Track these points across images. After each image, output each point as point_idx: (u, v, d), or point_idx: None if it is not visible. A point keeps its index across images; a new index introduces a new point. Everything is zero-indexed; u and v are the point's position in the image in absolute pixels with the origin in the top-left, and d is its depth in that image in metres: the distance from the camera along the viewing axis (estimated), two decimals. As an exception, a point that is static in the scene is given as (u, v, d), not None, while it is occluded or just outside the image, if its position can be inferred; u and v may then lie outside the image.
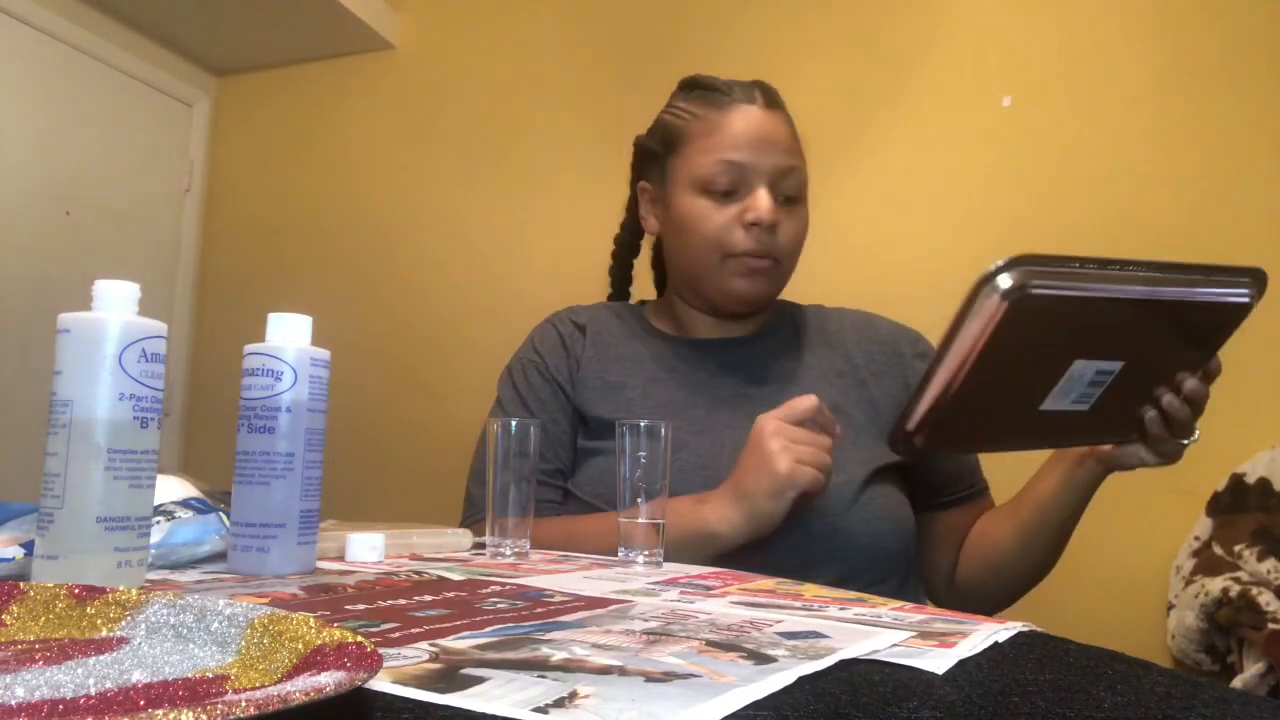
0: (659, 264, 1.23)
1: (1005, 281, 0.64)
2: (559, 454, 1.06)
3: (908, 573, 1.00)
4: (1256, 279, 0.75)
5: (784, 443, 0.84)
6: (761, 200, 0.99)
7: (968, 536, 1.06)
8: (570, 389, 1.07)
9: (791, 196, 1.03)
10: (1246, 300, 0.74)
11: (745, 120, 1.02)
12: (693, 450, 0.98)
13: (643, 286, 1.25)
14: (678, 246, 1.07)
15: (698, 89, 1.08)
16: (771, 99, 1.06)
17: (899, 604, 0.61)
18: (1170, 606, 1.74)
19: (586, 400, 1.05)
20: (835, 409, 1.03)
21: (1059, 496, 0.92)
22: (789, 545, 0.90)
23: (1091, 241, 1.97)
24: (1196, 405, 0.81)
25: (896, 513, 0.98)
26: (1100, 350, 0.73)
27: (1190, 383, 0.80)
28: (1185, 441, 0.84)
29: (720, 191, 1.01)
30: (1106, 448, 0.88)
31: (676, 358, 1.08)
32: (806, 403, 0.86)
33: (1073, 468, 0.91)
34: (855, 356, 1.09)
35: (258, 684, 0.32)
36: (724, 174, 1.01)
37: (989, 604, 1.03)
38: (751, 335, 1.10)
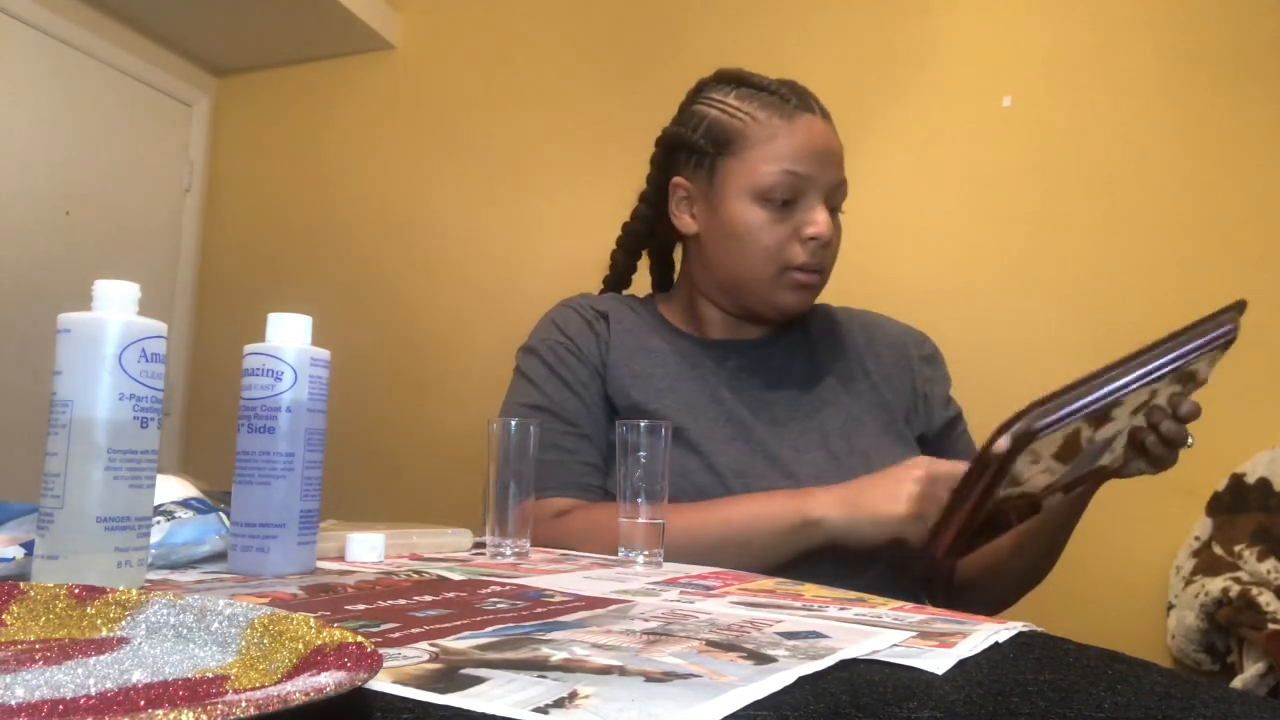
0: (660, 258, 1.21)
1: (1016, 430, 0.70)
2: (604, 439, 1.03)
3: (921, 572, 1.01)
4: (1239, 310, 0.81)
5: (924, 489, 0.83)
6: (821, 216, 0.99)
7: None
8: (604, 373, 1.05)
9: (836, 208, 1.03)
10: (1233, 333, 0.80)
11: (810, 131, 1.00)
12: (729, 457, 0.98)
13: (638, 282, 1.24)
14: (725, 251, 1.04)
15: (748, 87, 1.04)
16: (825, 110, 1.05)
17: (899, 604, 0.61)
18: (1170, 606, 1.74)
19: (619, 388, 1.03)
20: (853, 417, 1.03)
21: (1056, 506, 0.91)
22: (811, 556, 0.89)
23: (1091, 240, 1.97)
24: (1189, 420, 0.83)
25: None
26: (1108, 424, 0.77)
27: (1186, 405, 0.81)
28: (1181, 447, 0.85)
29: (779, 202, 1.00)
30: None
31: (696, 357, 1.07)
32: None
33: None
34: (866, 361, 1.09)
35: (258, 684, 0.32)
36: (785, 184, 0.99)
37: (987, 606, 1.03)
38: (766, 338, 1.09)
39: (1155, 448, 0.82)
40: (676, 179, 1.07)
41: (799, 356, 1.09)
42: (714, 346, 1.08)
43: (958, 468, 0.81)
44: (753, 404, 1.04)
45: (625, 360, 1.05)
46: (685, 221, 1.08)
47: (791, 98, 1.03)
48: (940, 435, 1.08)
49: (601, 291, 1.20)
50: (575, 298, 1.14)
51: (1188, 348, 0.76)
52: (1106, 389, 0.72)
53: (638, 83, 2.35)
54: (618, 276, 1.20)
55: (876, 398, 1.06)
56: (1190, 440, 0.84)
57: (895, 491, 0.84)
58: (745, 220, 1.01)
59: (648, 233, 1.16)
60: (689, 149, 1.06)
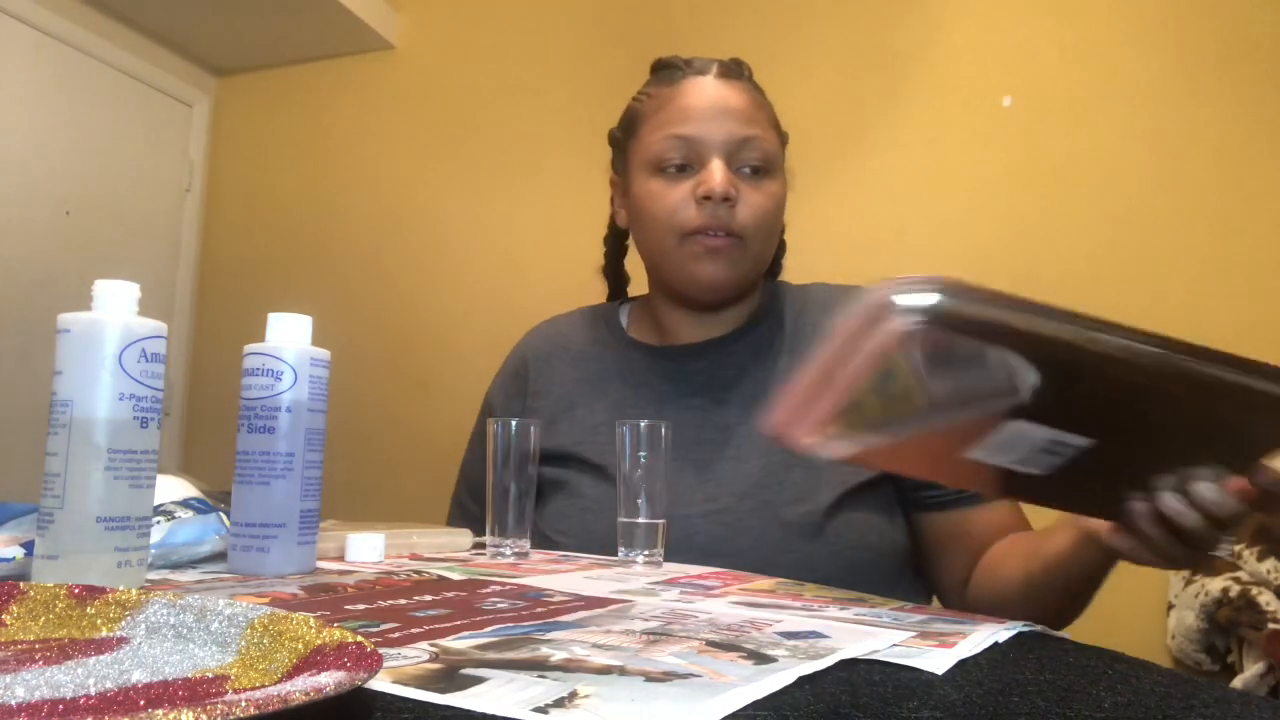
0: None
1: (919, 300, 0.50)
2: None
3: (894, 585, 0.90)
4: None
5: None
6: (713, 171, 0.92)
7: (986, 557, 0.92)
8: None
9: (758, 168, 0.95)
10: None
11: (696, 92, 0.96)
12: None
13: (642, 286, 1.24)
14: (639, 234, 1.01)
15: (657, 69, 1.03)
16: (729, 70, 0.98)
17: (899, 604, 0.61)
18: (1170, 606, 1.74)
19: (550, 435, 0.97)
20: None
21: (1067, 568, 0.76)
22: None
23: (1091, 240, 1.97)
24: (1211, 513, 0.56)
25: (869, 539, 0.90)
26: (1057, 418, 0.53)
27: (1201, 486, 0.56)
28: (1212, 552, 0.61)
29: (674, 169, 0.95)
30: (1109, 537, 0.65)
31: (650, 370, 1.02)
32: None
33: (1080, 545, 0.74)
34: None
35: (258, 684, 0.32)
36: (674, 149, 0.94)
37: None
38: (732, 333, 1.02)
39: (1143, 520, 0.59)
40: (612, 175, 1.07)
41: (764, 352, 1.01)
42: (670, 356, 1.03)
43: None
44: (698, 415, 0.97)
45: (557, 404, 1.03)
46: (621, 216, 1.06)
47: (685, 66, 0.99)
48: None
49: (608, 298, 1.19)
50: (538, 327, 1.14)
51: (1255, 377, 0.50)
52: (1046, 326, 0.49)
53: (637, 83, 2.34)
54: (612, 287, 1.19)
55: None
56: (1224, 549, 0.64)
57: None
58: (643, 193, 0.97)
59: (615, 238, 1.15)
60: (614, 144, 1.06)
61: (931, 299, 0.49)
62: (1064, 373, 0.50)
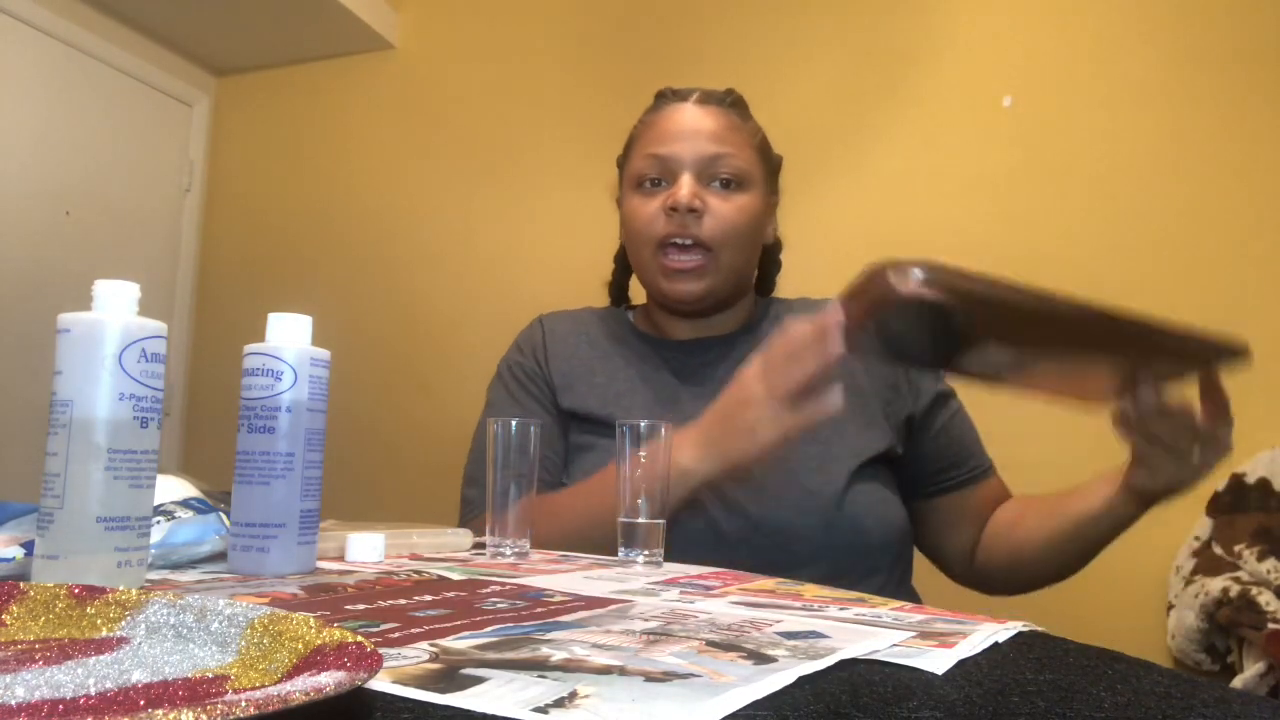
0: None
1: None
2: (555, 449, 1.06)
3: (893, 566, 0.99)
4: (1239, 353, 0.77)
5: (769, 395, 0.81)
6: (681, 185, 1.01)
7: (992, 523, 1.04)
8: (554, 387, 1.08)
9: (728, 181, 1.03)
10: (1228, 357, 0.77)
11: (674, 116, 1.06)
12: None
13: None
14: (627, 246, 1.11)
15: (655, 98, 1.12)
16: (708, 97, 1.08)
17: (899, 604, 0.61)
18: (1170, 606, 1.74)
19: (575, 397, 1.06)
20: None
21: (1097, 523, 0.92)
22: (775, 544, 0.92)
23: (1091, 241, 1.97)
24: (1177, 423, 0.79)
25: (881, 510, 0.98)
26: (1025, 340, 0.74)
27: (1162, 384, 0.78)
28: (1190, 460, 0.82)
29: (650, 186, 1.05)
30: (1130, 476, 0.86)
31: (660, 359, 1.09)
32: (800, 331, 0.81)
33: (1110, 505, 0.90)
34: None
35: (258, 684, 0.32)
36: (651, 168, 1.04)
37: (1008, 588, 1.05)
38: (734, 333, 1.10)
39: (1120, 421, 0.80)
40: (617, 196, 1.15)
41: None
42: (679, 347, 1.10)
43: (787, 335, 0.81)
44: (712, 397, 1.03)
45: (584, 372, 1.08)
46: (621, 233, 1.14)
47: (672, 95, 1.09)
48: (929, 412, 1.05)
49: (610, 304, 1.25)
50: (546, 314, 1.18)
51: (1167, 331, 0.70)
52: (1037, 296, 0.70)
53: (636, 83, 2.34)
54: (613, 300, 1.25)
55: (849, 380, 1.02)
56: (1215, 459, 0.83)
57: (748, 422, 0.82)
58: (627, 209, 1.07)
59: (621, 254, 1.21)
60: (619, 168, 1.14)
61: (922, 270, 0.68)
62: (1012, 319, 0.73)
